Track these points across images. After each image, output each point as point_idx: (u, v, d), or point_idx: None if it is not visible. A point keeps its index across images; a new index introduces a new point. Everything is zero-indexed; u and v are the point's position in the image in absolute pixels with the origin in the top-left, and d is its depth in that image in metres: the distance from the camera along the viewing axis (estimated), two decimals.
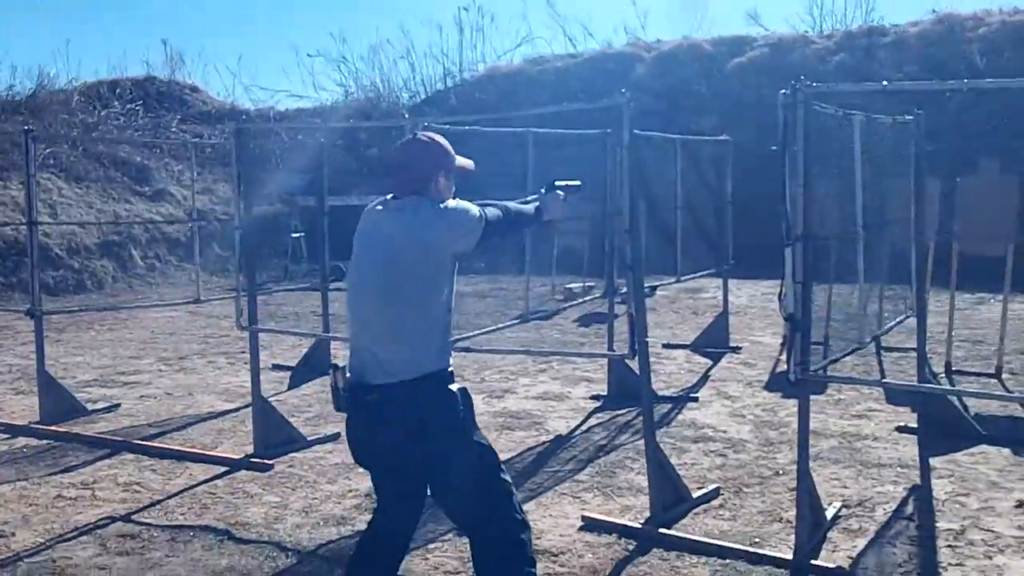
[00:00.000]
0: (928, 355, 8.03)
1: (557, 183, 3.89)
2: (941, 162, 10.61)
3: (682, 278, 10.27)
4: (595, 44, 27.33)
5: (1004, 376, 8.40)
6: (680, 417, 7.52)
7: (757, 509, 5.43)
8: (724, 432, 7.06)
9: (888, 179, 6.74)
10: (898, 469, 6.10)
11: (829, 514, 5.18)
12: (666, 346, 10.58)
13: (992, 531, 5.01)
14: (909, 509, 5.39)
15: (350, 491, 5.83)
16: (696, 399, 8.10)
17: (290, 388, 8.92)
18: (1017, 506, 5.35)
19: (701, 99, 21.15)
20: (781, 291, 4.66)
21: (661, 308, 13.55)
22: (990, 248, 8.46)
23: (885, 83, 4.96)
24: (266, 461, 6.37)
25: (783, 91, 4.60)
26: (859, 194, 5.78)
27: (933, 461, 6.18)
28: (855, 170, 5.75)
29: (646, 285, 6.01)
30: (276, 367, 9.69)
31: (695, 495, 5.50)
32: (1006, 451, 6.36)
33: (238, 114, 25.10)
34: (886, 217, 6.82)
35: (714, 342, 10.40)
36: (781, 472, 6.04)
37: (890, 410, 7.54)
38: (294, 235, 19.57)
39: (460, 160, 3.58)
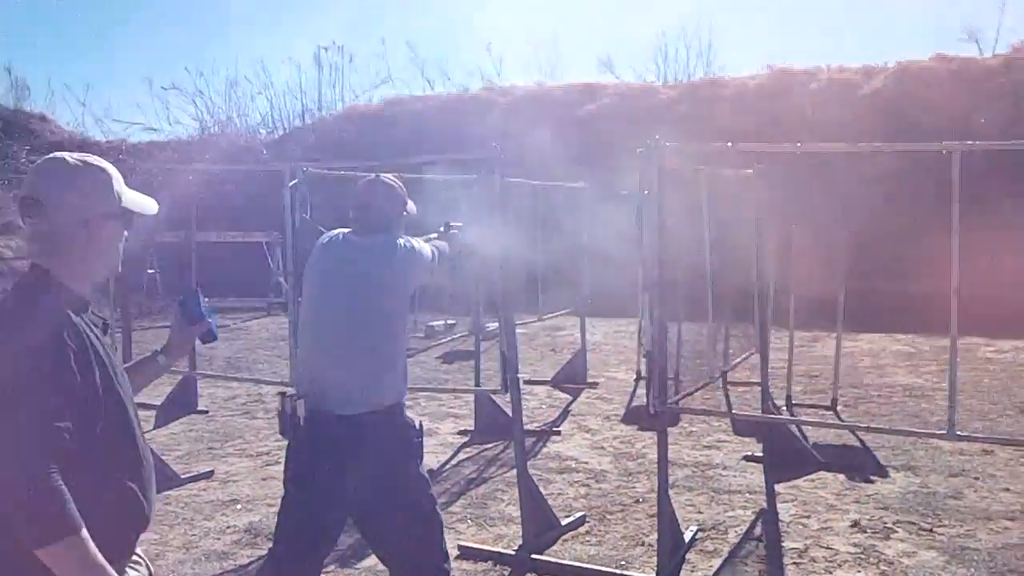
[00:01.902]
0: (770, 389, 8.64)
1: (452, 224, 4.17)
2: (780, 211, 11.36)
3: (544, 317, 10.67)
4: (452, 87, 27.90)
5: (839, 408, 9.06)
6: (545, 450, 7.87)
7: (621, 534, 5.81)
8: (586, 463, 7.44)
9: (733, 227, 7.30)
10: (747, 495, 6.58)
11: (687, 537, 5.59)
12: (528, 382, 10.93)
13: (831, 548, 5.51)
14: (757, 531, 5.87)
15: (228, 527, 5.94)
16: (559, 433, 8.46)
17: (156, 427, 8.87)
18: (852, 526, 5.88)
19: (554, 144, 21.77)
20: (640, 330, 5.07)
21: (522, 345, 13.86)
22: (824, 290, 9.14)
23: (730, 143, 5.46)
24: None
25: (639, 148, 5.04)
26: (707, 241, 6.27)
27: (778, 487, 6.69)
28: (703, 219, 6.24)
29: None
30: (139, 405, 9.58)
31: (563, 522, 5.84)
32: (841, 476, 6.94)
33: (89, 146, 24.46)
34: (731, 262, 7.39)
35: (573, 378, 10.82)
36: (641, 500, 6.44)
37: (737, 441, 8.07)
38: (150, 271, 19.18)
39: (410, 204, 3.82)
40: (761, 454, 7.44)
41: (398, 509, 3.48)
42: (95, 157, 2.26)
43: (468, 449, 7.97)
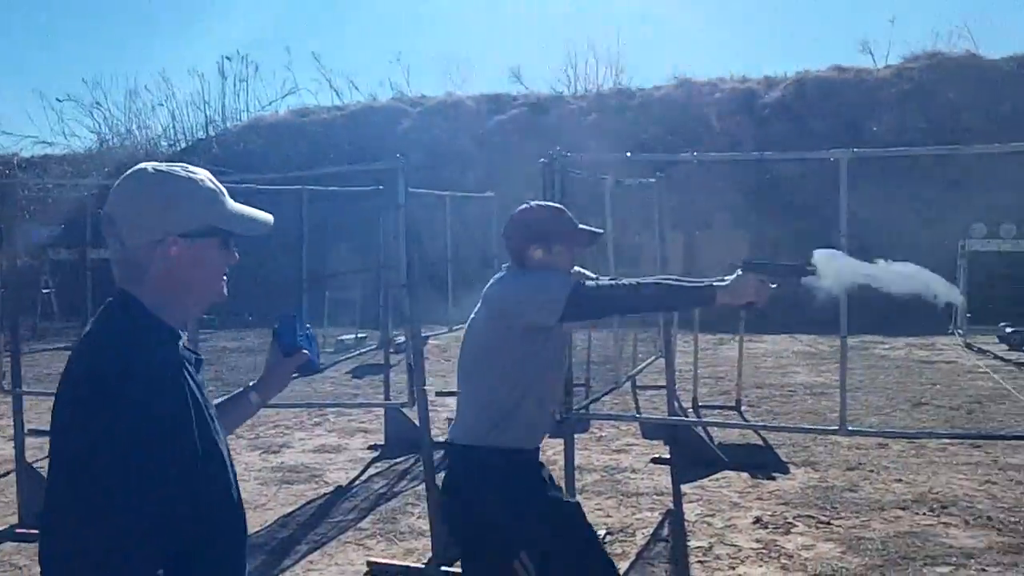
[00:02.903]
0: (677, 392, 8.82)
1: (761, 261, 3.34)
2: (682, 218, 11.63)
3: (454, 328, 10.71)
4: (360, 97, 27.82)
5: (743, 408, 9.32)
6: None
7: None
8: None
9: (637, 234, 7.47)
10: (654, 497, 6.74)
11: None
12: (440, 394, 10.94)
13: (735, 545, 5.69)
14: (665, 532, 6.02)
15: None
16: None
17: None
18: (754, 522, 6.07)
19: (465, 154, 21.92)
20: None
21: (434, 357, 13.93)
22: None
23: (628, 153, 5.60)
24: (33, 531, 6.21)
25: (542, 159, 5.15)
26: (610, 248, 6.41)
27: (684, 488, 6.86)
28: (606, 227, 6.37)
29: (424, 335, 6.43)
30: (33, 432, 9.34)
31: None
32: (745, 475, 7.14)
33: None
34: (636, 269, 7.56)
35: None
36: None
37: (646, 444, 8.23)
38: (45, 291, 18.67)
39: (582, 228, 3.44)
40: (668, 456, 7.61)
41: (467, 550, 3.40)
42: (187, 166, 1.92)
43: (379, 464, 7.97)
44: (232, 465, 1.88)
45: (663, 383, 8.50)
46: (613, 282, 3.32)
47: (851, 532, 5.83)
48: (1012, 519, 6.04)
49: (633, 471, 7.43)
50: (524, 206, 3.47)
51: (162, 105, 32.53)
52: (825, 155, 5.13)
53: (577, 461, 7.56)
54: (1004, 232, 15.12)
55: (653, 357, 7.99)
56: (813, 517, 6.13)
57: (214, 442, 1.80)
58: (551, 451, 7.93)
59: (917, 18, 48.51)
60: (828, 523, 6.02)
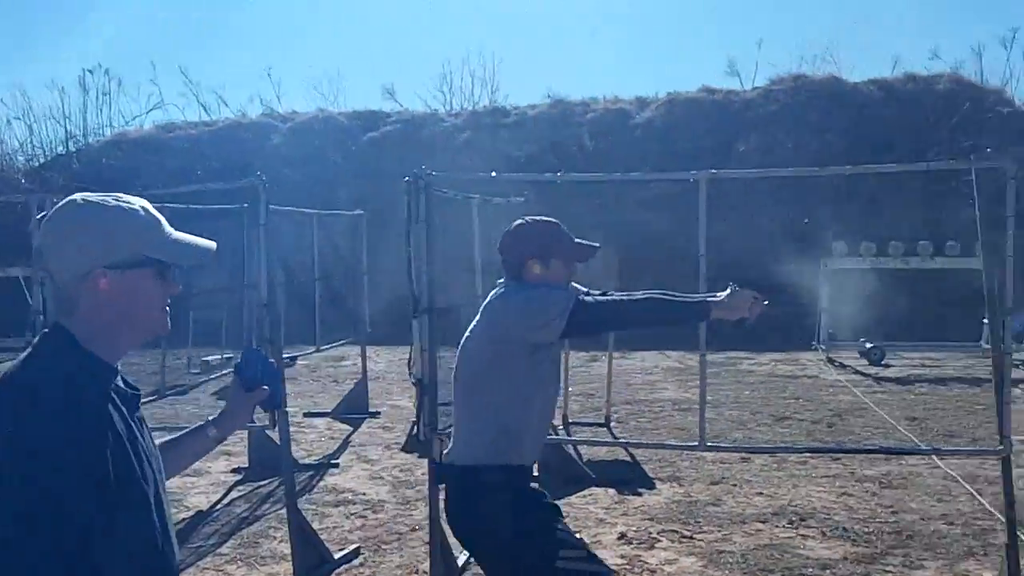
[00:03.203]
0: None
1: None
2: None
3: (322, 347, 10.55)
4: (229, 113, 27.28)
5: (612, 424, 9.41)
6: (321, 483, 7.77)
7: (396, 564, 5.80)
8: (364, 495, 7.40)
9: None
10: None
11: (460, 561, 5.64)
12: (307, 415, 10.78)
13: None
14: None
15: None
16: (337, 465, 8.37)
17: None
18: (619, 538, 6.11)
19: (337, 171, 21.70)
20: (410, 358, 5.11)
21: (302, 377, 13.71)
22: None
23: (493, 173, 5.60)
24: None
25: (406, 178, 5.10)
26: (479, 267, 6.39)
27: None
28: (474, 245, 6.36)
29: (287, 355, 6.29)
30: None
31: (336, 556, 5.78)
32: (612, 491, 7.20)
33: None
34: None
35: (354, 408, 10.74)
36: (417, 527, 6.45)
37: None
38: None
39: (579, 242, 3.43)
40: (536, 473, 7.59)
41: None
42: (120, 196, 1.84)
43: (241, 487, 7.75)
44: (164, 508, 1.80)
45: None
46: (611, 297, 3.34)
47: (713, 546, 5.92)
48: (866, 530, 6.23)
49: None
50: (520, 221, 3.46)
51: (19, 119, 31.33)
52: (684, 176, 5.23)
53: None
54: (864, 250, 15.70)
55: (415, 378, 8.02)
56: (676, 532, 6.21)
57: (139, 484, 1.73)
58: (420, 472, 7.84)
59: (783, 41, 50.43)
60: (691, 537, 6.10)
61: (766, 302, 3.27)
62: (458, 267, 6.34)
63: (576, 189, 17.76)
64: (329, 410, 10.95)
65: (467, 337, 3.38)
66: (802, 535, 6.14)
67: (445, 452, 3.48)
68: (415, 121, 23.63)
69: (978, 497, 6.89)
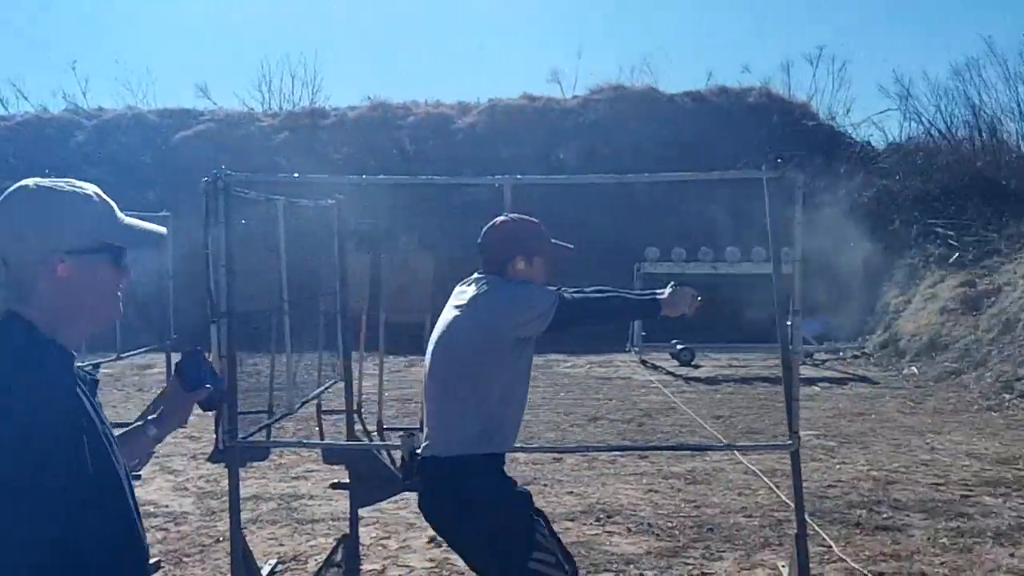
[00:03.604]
0: (364, 415, 8.73)
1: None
2: (371, 240, 11.59)
3: (123, 354, 10.12)
4: (29, 107, 25.85)
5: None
6: None
7: None
8: (166, 507, 7.13)
9: (316, 256, 7.33)
10: (331, 523, 6.62)
11: (264, 571, 5.50)
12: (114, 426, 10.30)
13: (408, 566, 5.70)
14: (339, 557, 5.91)
15: None
16: (139, 476, 8.02)
17: None
18: (429, 542, 6.10)
19: (146, 170, 20.92)
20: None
21: (106, 387, 13.09)
22: (413, 316, 9.41)
23: (296, 175, 5.48)
24: None
25: (205, 178, 4.92)
26: (284, 271, 6.25)
27: (362, 512, 6.74)
28: (280, 249, 6.21)
29: (88, 363, 5.98)
30: None
31: None
32: None
33: None
34: (316, 290, 7.41)
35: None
36: (222, 539, 6.25)
37: (327, 469, 8.05)
38: None
39: (556, 243, 3.55)
40: (348, 480, 7.49)
41: (470, 563, 3.49)
42: (72, 181, 1.82)
43: None
44: (132, 492, 1.84)
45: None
46: (586, 295, 3.52)
47: None
48: (670, 524, 6.43)
49: (311, 497, 7.27)
50: (503, 218, 3.59)
51: None
52: (491, 181, 5.27)
53: (254, 490, 7.36)
54: (675, 255, 16.26)
55: (331, 381, 7.86)
56: None
57: (111, 466, 1.76)
58: (226, 482, 7.61)
59: (603, 52, 51.71)
60: None
61: (700, 299, 3.56)
62: (263, 271, 6.17)
63: (394, 193, 17.74)
64: (132, 420, 10.49)
65: (445, 331, 3.43)
66: (608, 532, 6.28)
67: (419, 447, 3.53)
68: (230, 120, 23.04)
69: (776, 490, 7.22)
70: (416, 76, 49.59)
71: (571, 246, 3.70)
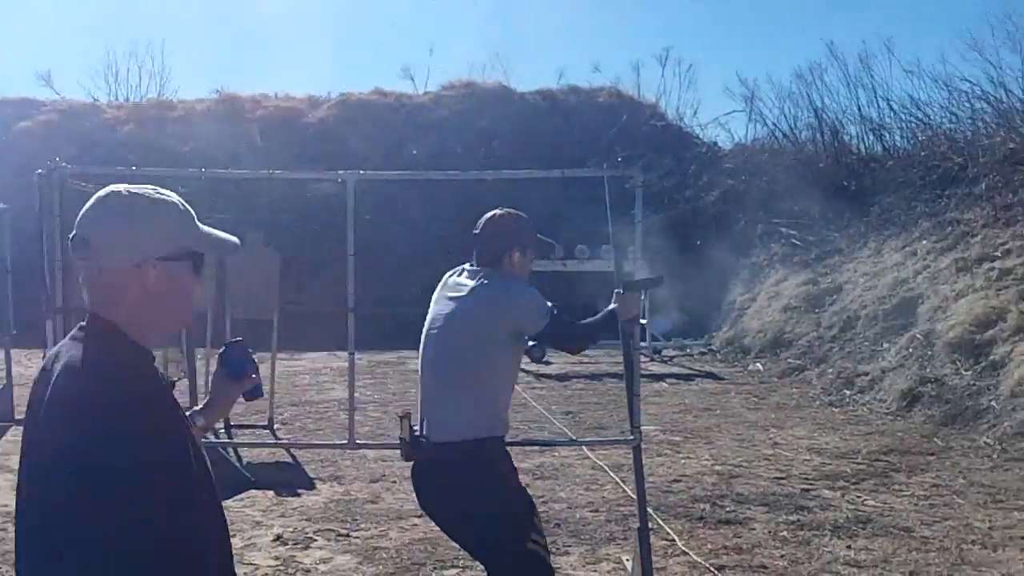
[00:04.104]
0: None
1: (635, 279, 4.10)
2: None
3: None
4: None
5: (276, 426, 9.29)
6: None
7: None
8: (6, 506, 6.85)
9: None
10: None
11: None
12: None
13: (253, 564, 5.64)
14: None
15: None
16: None
17: None
18: (275, 540, 6.07)
19: None
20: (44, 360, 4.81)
21: None
22: (260, 313, 9.30)
23: (135, 167, 5.39)
24: None
25: (39, 171, 4.80)
26: None
27: None
28: None
29: None
30: None
31: None
32: (271, 493, 7.12)
33: None
34: None
35: None
36: None
37: None
38: None
39: (541, 238, 3.53)
40: None
41: (467, 540, 3.70)
42: (160, 190, 1.86)
43: None
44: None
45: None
46: (567, 320, 3.72)
47: (368, 543, 6.01)
48: None
49: None
50: (500, 212, 3.77)
51: None
52: (334, 176, 5.30)
53: None
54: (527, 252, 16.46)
55: (176, 379, 7.73)
56: (333, 530, 6.24)
57: (205, 464, 1.85)
58: None
59: (455, 49, 51.80)
60: (347, 535, 6.16)
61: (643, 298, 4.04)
62: None
63: (241, 187, 17.43)
64: None
65: (445, 323, 3.60)
66: None
67: (419, 432, 3.65)
68: (73, 111, 22.16)
69: (622, 485, 7.38)
70: (266, 70, 48.66)
71: (553, 242, 3.99)
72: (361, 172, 5.30)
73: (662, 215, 17.66)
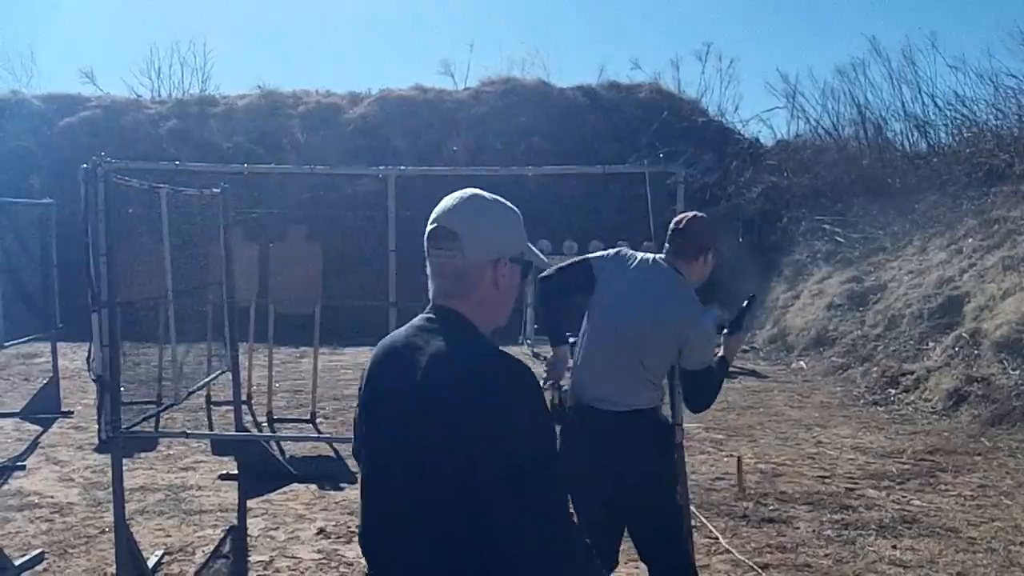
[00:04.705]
0: (254, 405, 8.65)
1: (736, 317, 4.08)
2: (259, 230, 11.50)
3: (6, 344, 9.85)
4: None
5: (318, 420, 9.36)
6: (5, 487, 7.26)
7: (82, 567, 5.53)
8: (52, 497, 6.99)
9: (201, 246, 7.26)
10: (218, 514, 6.57)
11: (151, 563, 5.46)
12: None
13: (296, 557, 5.69)
14: (226, 548, 5.88)
15: None
16: (24, 467, 7.85)
17: None
18: (318, 533, 6.11)
19: (30, 157, 20.24)
20: (90, 354, 4.88)
21: None
22: (302, 307, 9.40)
23: (177, 163, 5.44)
24: None
25: (84, 165, 4.86)
26: (168, 260, 6.19)
27: (250, 503, 6.75)
28: (163, 238, 6.15)
29: None
30: None
31: (17, 562, 5.45)
32: (313, 487, 7.17)
33: None
34: (203, 280, 7.35)
35: (45, 407, 10.08)
36: (107, 529, 6.16)
37: (215, 460, 8.01)
38: None
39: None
40: (236, 472, 7.46)
41: (649, 503, 3.76)
42: (498, 198, 2.04)
43: None
44: None
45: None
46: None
47: None
48: None
49: (199, 488, 7.20)
50: (702, 214, 3.94)
51: None
52: (374, 171, 5.31)
53: (142, 481, 7.27)
54: (567, 248, 16.44)
55: (218, 371, 7.80)
56: None
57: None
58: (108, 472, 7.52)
59: (494, 45, 51.83)
60: None
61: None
62: (148, 260, 6.11)
63: (283, 183, 17.54)
64: (17, 410, 10.23)
65: (642, 302, 3.71)
66: None
67: (588, 398, 3.78)
68: (116, 107, 22.39)
69: None
70: (307, 65, 48.93)
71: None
72: (402, 168, 5.30)
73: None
